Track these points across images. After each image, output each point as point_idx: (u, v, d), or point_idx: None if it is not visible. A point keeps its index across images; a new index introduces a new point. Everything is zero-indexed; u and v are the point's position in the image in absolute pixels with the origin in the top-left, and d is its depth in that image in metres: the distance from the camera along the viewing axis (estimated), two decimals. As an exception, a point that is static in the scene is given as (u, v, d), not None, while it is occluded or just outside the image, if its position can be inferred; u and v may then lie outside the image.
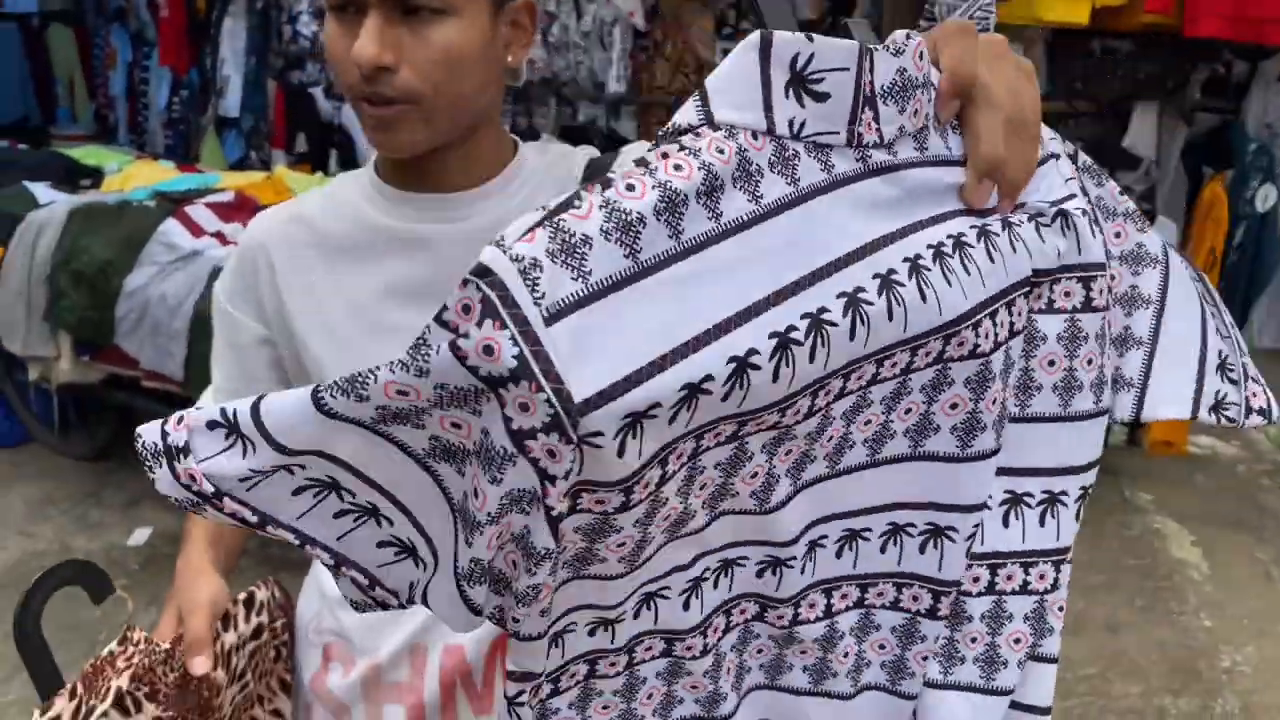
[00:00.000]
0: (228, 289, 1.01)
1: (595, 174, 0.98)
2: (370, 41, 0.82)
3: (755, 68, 0.49)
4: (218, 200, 3.51)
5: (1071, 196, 0.65)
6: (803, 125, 0.50)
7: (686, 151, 0.47)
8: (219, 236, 3.31)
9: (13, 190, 3.66)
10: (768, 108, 0.49)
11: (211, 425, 0.49)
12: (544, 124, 4.54)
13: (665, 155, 0.47)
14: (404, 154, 0.90)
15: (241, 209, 3.52)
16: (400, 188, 0.96)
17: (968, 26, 0.61)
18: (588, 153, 1.04)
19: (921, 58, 0.56)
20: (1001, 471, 0.65)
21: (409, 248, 0.95)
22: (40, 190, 3.69)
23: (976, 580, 0.68)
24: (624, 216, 0.45)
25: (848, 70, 0.51)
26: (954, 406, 0.60)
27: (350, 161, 4.94)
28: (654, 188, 0.46)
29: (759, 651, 0.69)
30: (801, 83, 0.49)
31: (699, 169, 0.47)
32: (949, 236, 0.56)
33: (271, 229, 1.00)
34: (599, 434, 0.46)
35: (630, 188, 0.46)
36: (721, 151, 0.47)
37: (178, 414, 0.50)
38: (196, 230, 3.32)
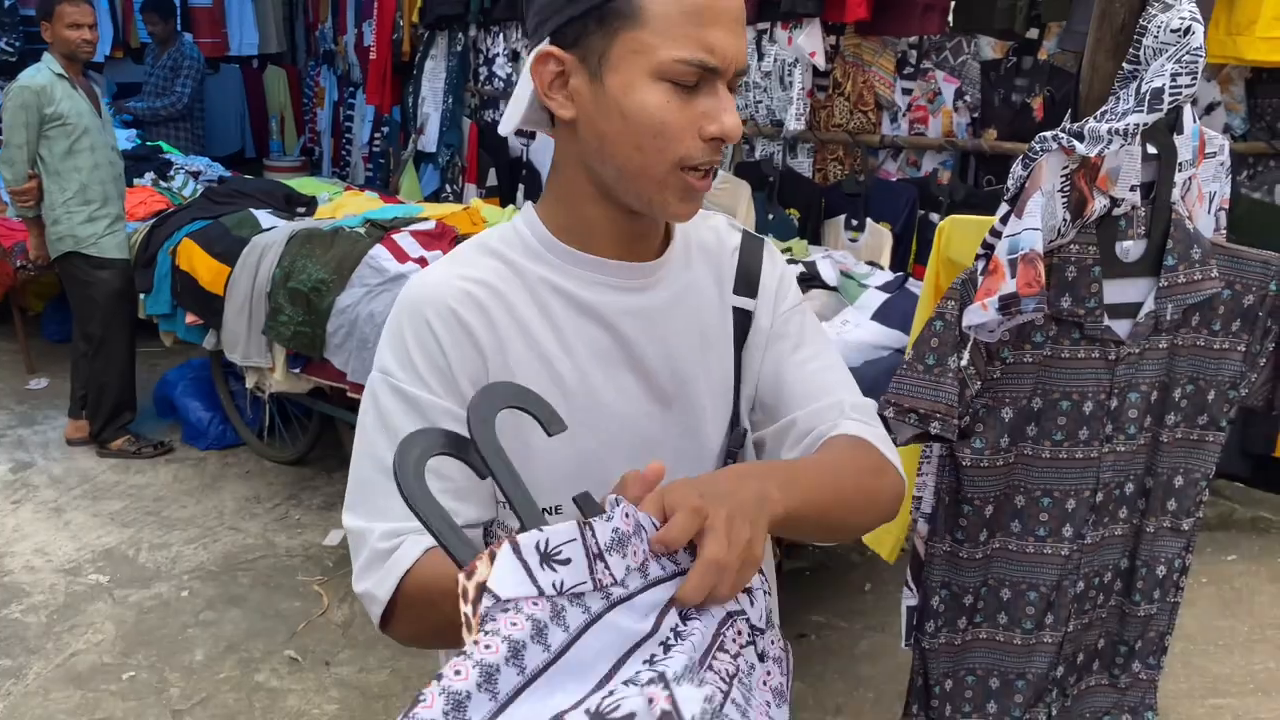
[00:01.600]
0: (412, 368, 0.94)
1: (746, 258, 1.07)
2: (736, 114, 0.90)
3: (515, 560, 0.65)
4: (421, 229, 3.77)
5: None
6: (562, 584, 0.66)
7: (490, 634, 0.63)
8: (421, 261, 3.56)
9: (241, 215, 4.04)
10: (533, 580, 0.65)
11: None
12: (721, 159, 4.64)
13: (476, 641, 0.63)
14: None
15: (442, 237, 3.77)
16: (593, 252, 0.98)
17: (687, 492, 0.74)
18: (733, 229, 1.10)
19: (628, 516, 0.71)
20: None
21: (606, 314, 0.98)
22: (263, 216, 4.05)
23: None
24: (456, 696, 0.60)
25: (575, 540, 0.68)
26: None
27: (537, 197, 5.18)
28: (474, 667, 0.61)
29: None
30: (549, 559, 0.66)
31: (502, 642, 0.63)
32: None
33: (450, 293, 0.95)
34: None
35: (457, 672, 0.60)
36: (514, 624, 0.64)
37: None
38: (401, 255, 3.58)
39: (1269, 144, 3.33)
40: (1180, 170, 1.42)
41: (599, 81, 0.89)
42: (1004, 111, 3.73)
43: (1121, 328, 1.43)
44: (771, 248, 1.11)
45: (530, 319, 0.97)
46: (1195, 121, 1.45)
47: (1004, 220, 1.34)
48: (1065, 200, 1.36)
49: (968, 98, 3.88)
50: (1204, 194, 1.54)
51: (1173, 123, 1.40)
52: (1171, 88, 1.27)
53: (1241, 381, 1.51)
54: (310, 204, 4.39)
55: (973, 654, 1.59)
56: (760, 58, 4.44)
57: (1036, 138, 1.34)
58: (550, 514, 0.95)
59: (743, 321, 1.06)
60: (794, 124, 4.22)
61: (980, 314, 1.33)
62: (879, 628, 3.12)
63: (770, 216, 4.27)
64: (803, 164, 4.44)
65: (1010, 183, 1.35)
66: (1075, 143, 1.30)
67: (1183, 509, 1.56)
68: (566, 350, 0.97)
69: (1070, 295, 1.39)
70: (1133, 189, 1.38)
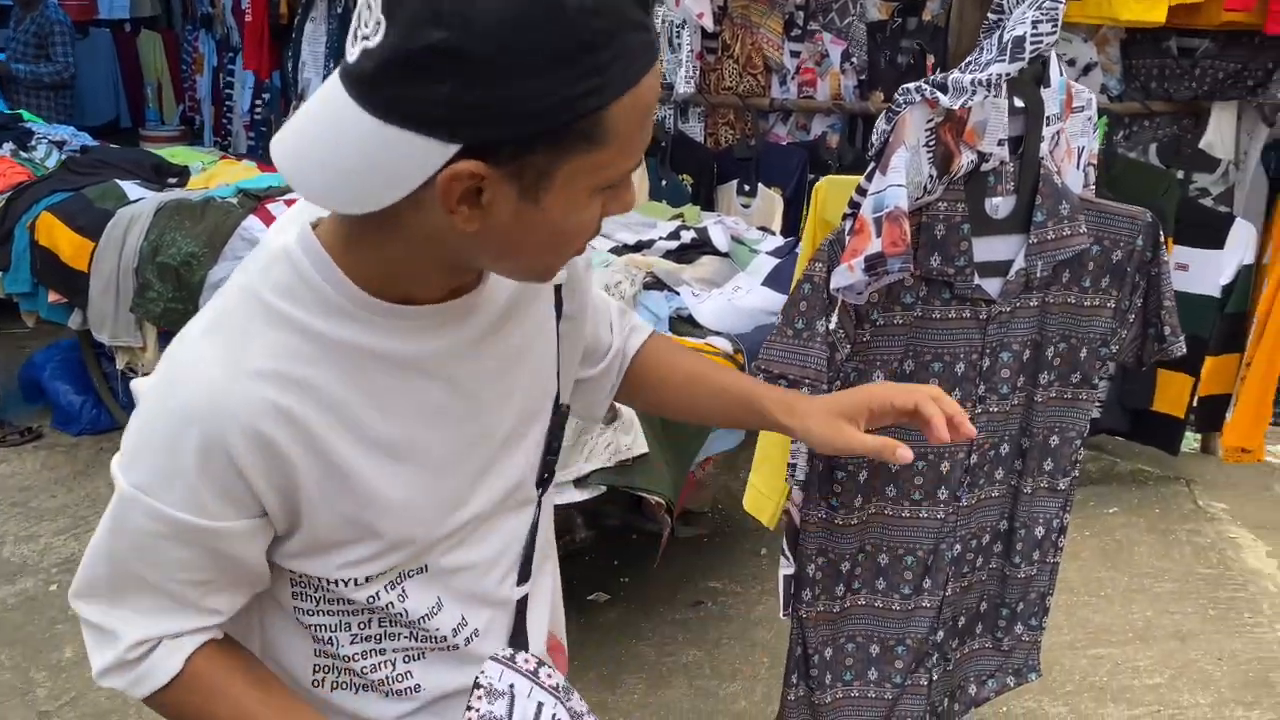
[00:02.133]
0: (194, 499, 0.81)
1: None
2: (633, 187, 0.85)
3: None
4: (296, 197, 3.62)
5: None
6: None
7: None
8: (297, 232, 3.42)
9: (105, 186, 3.82)
10: None
11: None
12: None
13: None
14: None
15: (319, 206, 3.62)
16: (417, 302, 0.85)
17: None
18: None
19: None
20: None
21: (434, 364, 0.88)
22: (130, 187, 3.84)
23: None
24: None
25: None
26: None
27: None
28: None
29: None
30: None
31: None
32: None
33: (248, 411, 0.79)
34: None
35: None
36: None
37: None
38: (276, 226, 3.43)
39: (1143, 104, 3.40)
40: (1048, 124, 1.40)
41: (531, 202, 0.75)
42: (890, 73, 3.74)
43: (992, 286, 1.41)
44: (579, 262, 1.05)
45: (348, 402, 0.83)
46: (1061, 74, 1.43)
47: (869, 178, 1.31)
48: (931, 156, 1.33)
49: (854, 60, 3.87)
50: (1073, 149, 1.52)
51: (1039, 75, 1.38)
52: (1033, 35, 1.25)
53: (1112, 338, 1.50)
54: (182, 174, 4.18)
55: (852, 621, 1.58)
56: (649, 19, 4.37)
57: (899, 90, 1.30)
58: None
59: (557, 292, 1.01)
60: (683, 86, 4.16)
61: (847, 275, 1.30)
62: (774, 592, 3.12)
63: (663, 182, 4.22)
64: (694, 128, 4.39)
65: (874, 138, 1.31)
66: (939, 94, 1.26)
67: (1059, 468, 1.56)
68: (395, 420, 0.86)
69: (939, 254, 1.37)
70: (1000, 143, 1.35)
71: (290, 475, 0.82)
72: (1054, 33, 1.25)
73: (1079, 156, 1.54)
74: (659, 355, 1.18)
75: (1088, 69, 3.48)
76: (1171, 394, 3.49)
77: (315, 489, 0.83)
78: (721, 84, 4.27)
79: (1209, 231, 3.32)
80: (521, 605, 1.02)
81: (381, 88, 0.70)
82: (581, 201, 0.77)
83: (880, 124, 1.31)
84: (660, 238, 3.34)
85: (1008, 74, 1.26)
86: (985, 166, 1.36)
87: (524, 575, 1.01)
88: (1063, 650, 2.72)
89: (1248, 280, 3.29)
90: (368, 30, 0.70)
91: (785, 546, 1.59)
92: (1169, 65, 3.33)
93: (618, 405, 2.60)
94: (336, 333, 0.82)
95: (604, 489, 2.58)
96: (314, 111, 0.76)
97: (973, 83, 1.25)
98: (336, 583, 0.89)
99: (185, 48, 7.91)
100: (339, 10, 5.63)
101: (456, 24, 0.67)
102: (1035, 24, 1.24)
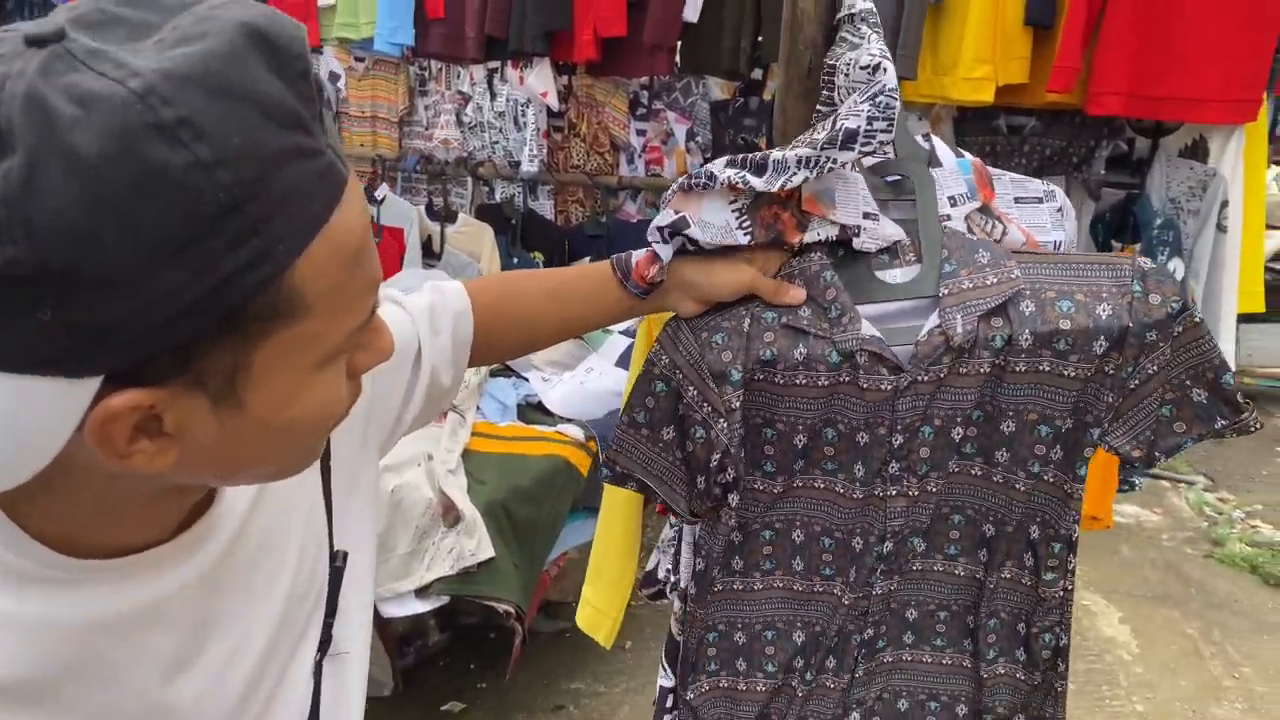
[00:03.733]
0: None
1: None
2: (388, 328, 0.69)
3: None
4: None
5: None
6: None
7: None
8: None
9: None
10: None
11: None
12: (461, 202, 4.47)
13: None
14: None
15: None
16: (138, 548, 0.68)
17: None
18: None
19: None
20: None
21: (168, 606, 0.71)
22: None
23: None
24: None
25: None
26: None
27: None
28: None
29: None
30: None
31: None
32: None
33: None
34: None
35: None
36: None
37: None
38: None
39: (979, 180, 3.48)
40: (955, 204, 1.28)
41: (232, 405, 0.58)
42: (734, 151, 3.75)
43: (906, 354, 1.19)
44: None
45: (78, 701, 0.65)
46: (964, 156, 1.34)
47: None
48: (750, 236, 1.19)
49: (699, 138, 3.87)
50: (1038, 244, 1.37)
51: (929, 158, 1.28)
52: (866, 131, 1.16)
53: (1106, 415, 1.21)
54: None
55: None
56: (493, 97, 4.30)
57: (694, 172, 1.19)
58: None
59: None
60: (529, 165, 4.10)
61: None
62: (640, 689, 2.99)
63: (515, 260, 4.15)
64: (544, 206, 4.32)
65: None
66: (751, 178, 1.15)
67: (1042, 566, 1.27)
68: (134, 690, 0.69)
69: (808, 305, 1.18)
70: (870, 216, 1.22)
71: None
72: (889, 131, 1.16)
73: (1055, 250, 1.39)
74: (497, 304, 1.08)
75: (924, 146, 3.56)
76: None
77: None
78: (570, 162, 4.22)
79: (1047, 302, 3.40)
80: None
81: None
82: (306, 382, 0.60)
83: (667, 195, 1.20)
84: (507, 322, 3.23)
85: (838, 161, 1.16)
86: (861, 243, 1.21)
87: None
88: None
89: (1085, 349, 3.38)
90: None
91: (664, 659, 1.44)
92: (999, 142, 3.43)
93: (460, 507, 2.46)
94: (55, 610, 0.63)
95: (447, 599, 2.42)
96: None
97: (798, 161, 1.15)
98: None
99: None
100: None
101: (21, 236, 0.48)
102: (871, 120, 1.16)
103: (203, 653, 0.73)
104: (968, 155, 1.34)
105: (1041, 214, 1.34)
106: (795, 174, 1.15)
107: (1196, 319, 1.19)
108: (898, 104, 1.19)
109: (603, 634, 1.87)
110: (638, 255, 1.18)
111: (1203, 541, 4.07)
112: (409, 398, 0.97)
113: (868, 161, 1.20)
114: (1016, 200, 1.36)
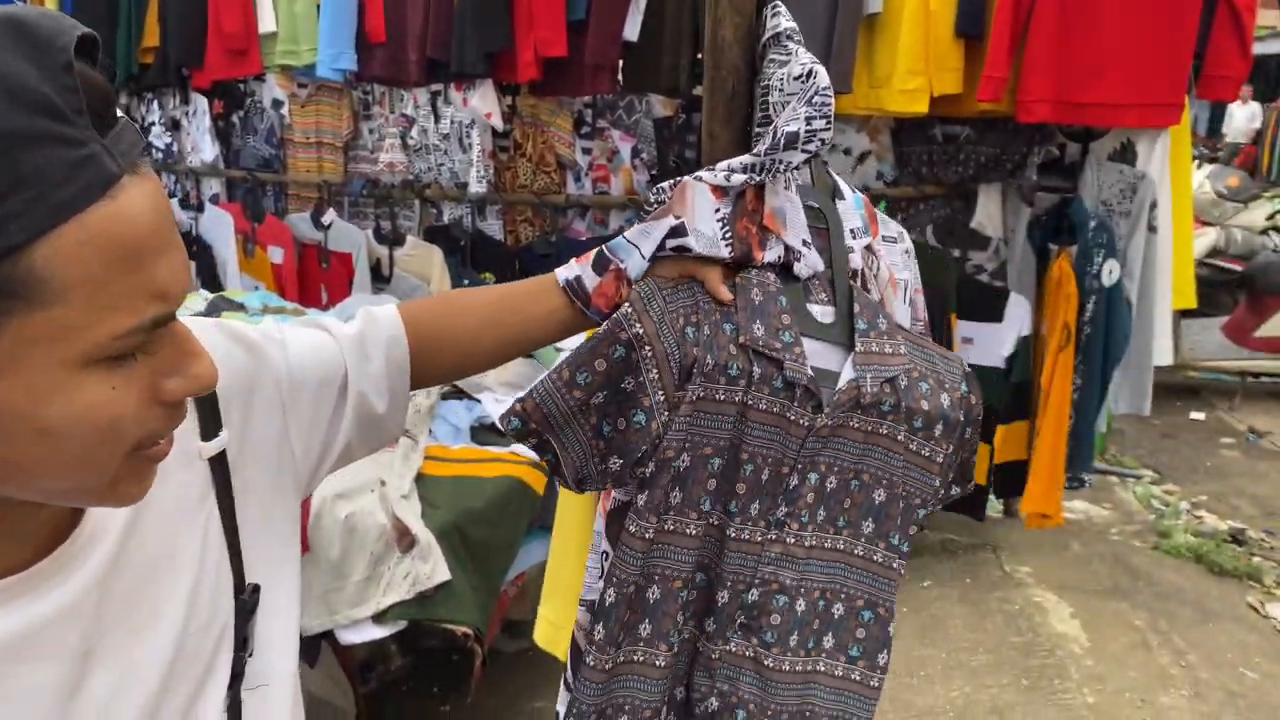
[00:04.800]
0: None
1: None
2: (204, 352, 0.66)
3: None
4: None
5: None
6: None
7: None
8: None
9: None
10: None
11: None
12: (409, 225, 4.47)
13: None
14: None
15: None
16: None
17: None
18: None
19: None
20: None
21: (40, 639, 0.70)
22: None
23: None
24: None
25: None
26: None
27: (210, 274, 4.77)
28: None
29: None
30: None
31: None
32: None
33: None
34: None
35: None
36: None
37: None
38: None
39: (916, 188, 3.55)
40: (854, 237, 1.32)
41: None
42: (679, 168, 3.79)
43: (826, 396, 1.20)
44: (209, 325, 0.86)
45: None
46: (856, 192, 1.39)
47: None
48: (730, 249, 1.22)
49: (644, 155, 3.91)
50: (896, 280, 1.43)
51: (834, 189, 1.32)
52: (807, 130, 1.18)
53: (932, 498, 1.25)
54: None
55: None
56: (437, 119, 4.31)
57: (655, 189, 1.22)
58: None
59: (221, 469, 0.84)
60: (476, 186, 4.10)
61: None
62: (601, 705, 3.00)
63: (465, 281, 4.14)
64: (493, 226, 4.33)
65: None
66: (719, 178, 1.18)
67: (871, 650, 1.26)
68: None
69: (760, 322, 1.17)
70: (807, 244, 1.25)
71: None
72: (828, 129, 1.19)
73: (904, 291, 1.46)
74: (433, 324, 1.07)
75: (863, 157, 3.63)
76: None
77: None
78: (517, 181, 4.23)
79: (987, 306, 3.47)
80: None
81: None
82: (66, 382, 0.59)
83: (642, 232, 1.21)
84: (457, 344, 3.23)
85: (787, 162, 1.18)
86: (799, 269, 1.23)
87: None
88: (888, 738, 2.70)
89: (1027, 351, 3.45)
90: None
91: (567, 676, 1.40)
92: (935, 151, 3.50)
93: (415, 532, 2.46)
94: None
95: (405, 624, 2.41)
96: None
97: (743, 167, 1.18)
98: None
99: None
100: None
101: None
102: (809, 120, 1.18)
103: (84, 689, 0.72)
104: (858, 191, 1.39)
105: (895, 253, 1.39)
106: (749, 175, 1.17)
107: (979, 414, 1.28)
108: (832, 101, 1.23)
109: (561, 649, 1.86)
110: (593, 278, 1.15)
111: (1150, 534, 4.16)
112: (335, 426, 0.97)
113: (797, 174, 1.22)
114: (883, 238, 1.40)
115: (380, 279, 4.18)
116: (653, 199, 1.23)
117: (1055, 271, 3.26)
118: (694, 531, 1.21)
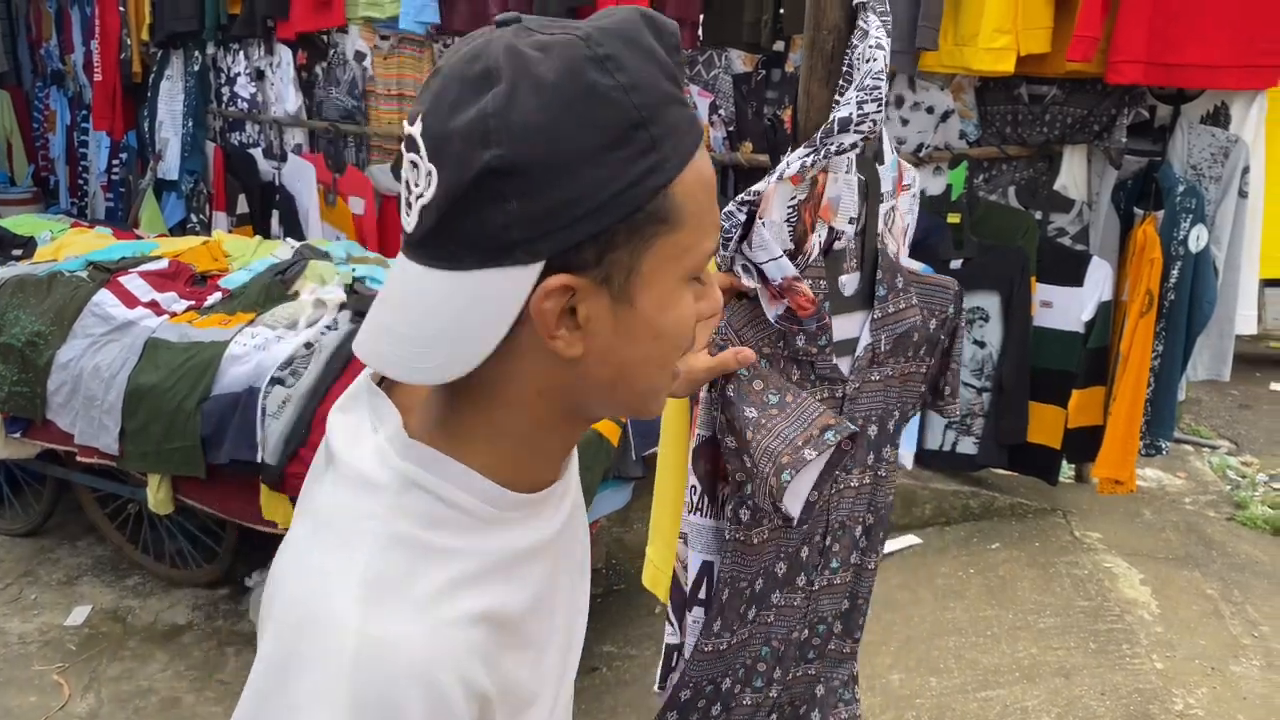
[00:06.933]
0: None
1: None
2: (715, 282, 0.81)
3: None
4: (152, 269, 3.45)
5: None
6: None
7: None
8: (154, 306, 3.25)
9: (-60, 263, 3.59)
10: None
11: None
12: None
13: None
14: None
15: (177, 277, 3.46)
16: (541, 486, 0.82)
17: None
18: None
19: None
20: None
21: (549, 545, 0.84)
22: (-32, 263, 3.61)
23: None
24: None
25: None
26: None
27: (293, 223, 4.89)
28: None
29: None
30: None
31: None
32: None
33: (450, 666, 0.71)
34: None
35: None
36: None
37: None
38: (130, 300, 3.26)
39: (999, 148, 3.50)
40: (883, 201, 1.40)
41: (625, 303, 0.72)
42: (757, 125, 3.78)
43: (843, 364, 1.38)
44: None
45: (515, 615, 0.77)
46: (895, 153, 1.44)
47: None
48: (791, 232, 1.30)
49: (722, 111, 3.90)
50: (904, 226, 1.53)
51: (878, 152, 1.37)
52: (859, 114, 1.25)
53: (917, 404, 1.52)
54: (28, 245, 3.95)
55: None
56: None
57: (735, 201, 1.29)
58: None
59: None
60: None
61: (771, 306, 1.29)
62: (669, 652, 3.07)
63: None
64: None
65: (726, 224, 1.28)
66: (798, 166, 1.25)
67: (881, 542, 1.55)
68: (542, 614, 0.83)
69: (803, 334, 1.34)
70: (850, 221, 1.34)
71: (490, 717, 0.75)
72: (879, 111, 1.25)
73: (907, 234, 1.55)
74: None
75: (946, 116, 3.58)
76: (1045, 426, 3.58)
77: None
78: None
79: (1069, 269, 3.43)
80: None
81: (450, 233, 0.69)
82: (674, 293, 0.74)
83: (731, 210, 1.28)
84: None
85: (839, 144, 1.25)
86: (838, 245, 1.35)
87: None
88: (954, 695, 2.74)
89: (1108, 316, 3.41)
90: (420, 188, 0.69)
91: (671, 613, 1.52)
92: (1021, 111, 3.45)
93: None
94: (495, 546, 0.77)
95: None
96: (389, 297, 0.74)
97: (807, 153, 1.25)
98: None
99: (36, 105, 7.57)
100: (195, 68, 5.45)
101: (504, 138, 0.66)
102: (861, 104, 1.24)
103: (562, 591, 0.87)
104: (895, 152, 1.46)
105: (906, 199, 1.50)
106: (816, 160, 1.24)
107: (961, 325, 1.50)
108: (883, 85, 1.28)
109: (662, 590, 1.95)
110: (790, 278, 1.25)
111: (1225, 505, 4.10)
112: None
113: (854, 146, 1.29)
114: (904, 187, 1.50)
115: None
116: (727, 227, 1.30)
117: (1139, 236, 3.21)
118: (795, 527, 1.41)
